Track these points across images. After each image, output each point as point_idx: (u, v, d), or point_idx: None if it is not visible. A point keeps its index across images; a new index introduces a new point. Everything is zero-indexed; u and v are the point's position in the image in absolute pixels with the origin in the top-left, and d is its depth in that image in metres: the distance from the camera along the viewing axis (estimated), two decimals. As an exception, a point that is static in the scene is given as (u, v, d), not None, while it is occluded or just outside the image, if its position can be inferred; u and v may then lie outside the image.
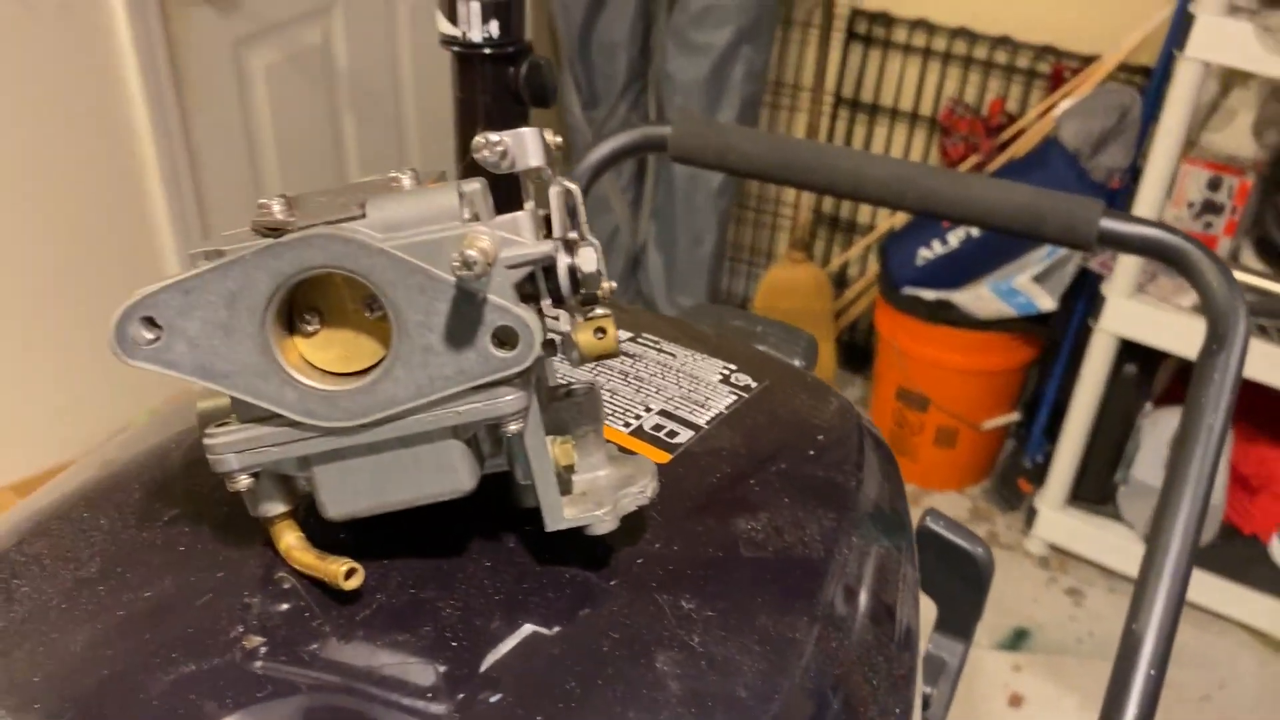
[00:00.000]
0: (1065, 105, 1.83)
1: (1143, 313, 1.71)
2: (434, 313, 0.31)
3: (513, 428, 0.33)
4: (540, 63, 0.61)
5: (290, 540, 0.35)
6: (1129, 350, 1.81)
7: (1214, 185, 1.74)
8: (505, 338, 0.31)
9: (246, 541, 0.35)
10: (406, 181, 0.33)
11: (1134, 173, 1.85)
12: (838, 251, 2.40)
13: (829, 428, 0.50)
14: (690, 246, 2.31)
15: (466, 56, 0.59)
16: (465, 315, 0.31)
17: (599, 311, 0.34)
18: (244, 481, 0.34)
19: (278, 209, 0.33)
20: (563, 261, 0.33)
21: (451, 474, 0.33)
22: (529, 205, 0.34)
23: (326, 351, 0.33)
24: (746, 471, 0.41)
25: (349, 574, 0.33)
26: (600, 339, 0.33)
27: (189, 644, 0.31)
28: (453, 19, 0.57)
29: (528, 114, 0.63)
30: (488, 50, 0.58)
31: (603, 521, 0.34)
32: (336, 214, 0.32)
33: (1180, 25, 1.74)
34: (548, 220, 0.34)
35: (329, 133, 1.83)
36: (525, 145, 0.32)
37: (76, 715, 0.29)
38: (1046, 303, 1.83)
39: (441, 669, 0.30)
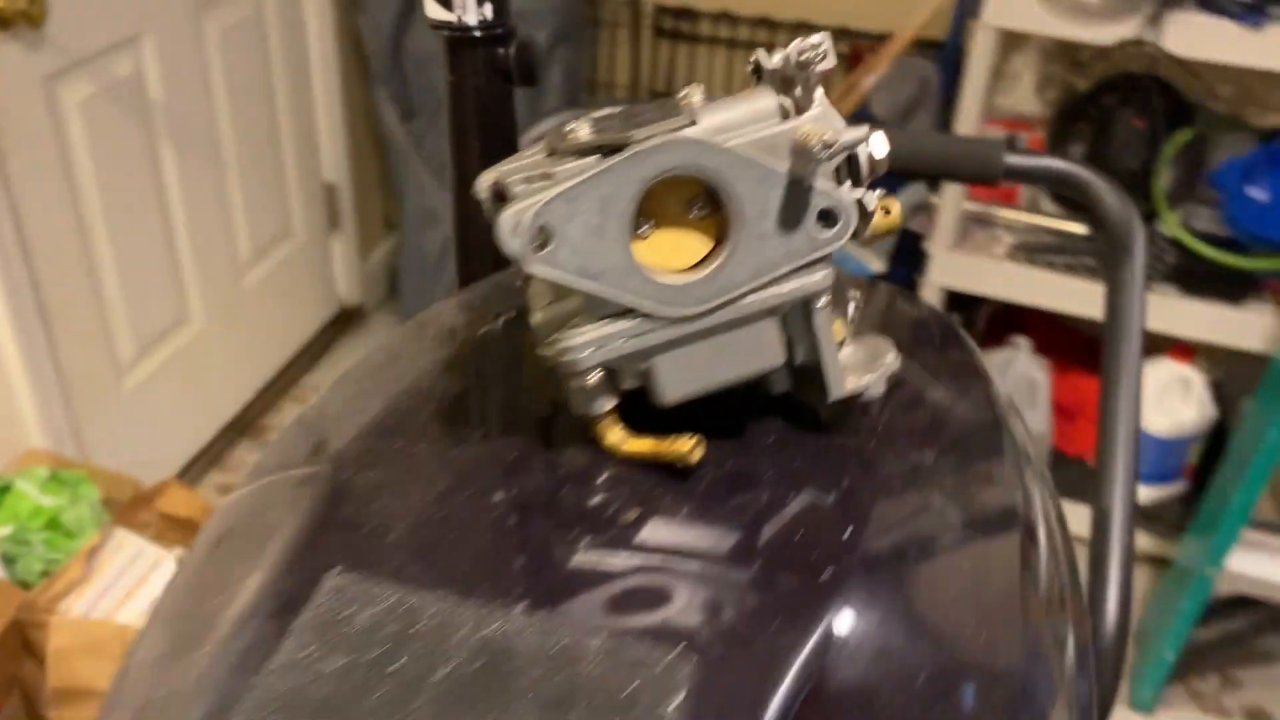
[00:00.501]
0: (870, 80, 1.96)
1: (963, 264, 1.86)
2: (770, 201, 0.34)
3: (821, 302, 0.35)
4: (528, 41, 0.62)
5: (619, 432, 0.36)
6: (951, 301, 1.96)
7: (1009, 142, 1.91)
8: (827, 218, 0.34)
9: (563, 445, 0.36)
10: (696, 96, 0.35)
11: (938, 138, 2.00)
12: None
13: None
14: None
15: (460, 40, 0.60)
16: (796, 201, 0.33)
17: (883, 192, 0.36)
18: (594, 377, 0.35)
19: (587, 131, 0.35)
20: (863, 148, 0.35)
21: (770, 349, 0.36)
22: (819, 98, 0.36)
23: (656, 252, 0.35)
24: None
25: (695, 446, 0.34)
26: (887, 216, 0.36)
27: (571, 519, 0.32)
28: (448, 5, 0.58)
29: (513, 93, 0.64)
30: (480, 33, 0.58)
31: (876, 386, 0.37)
32: (670, 124, 0.34)
33: (966, -1, 1.91)
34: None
35: (149, 166, 1.73)
36: (829, 50, 0.35)
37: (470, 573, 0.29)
38: (877, 265, 1.96)
39: (785, 527, 0.32)
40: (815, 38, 0.34)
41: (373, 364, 0.44)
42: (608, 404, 0.35)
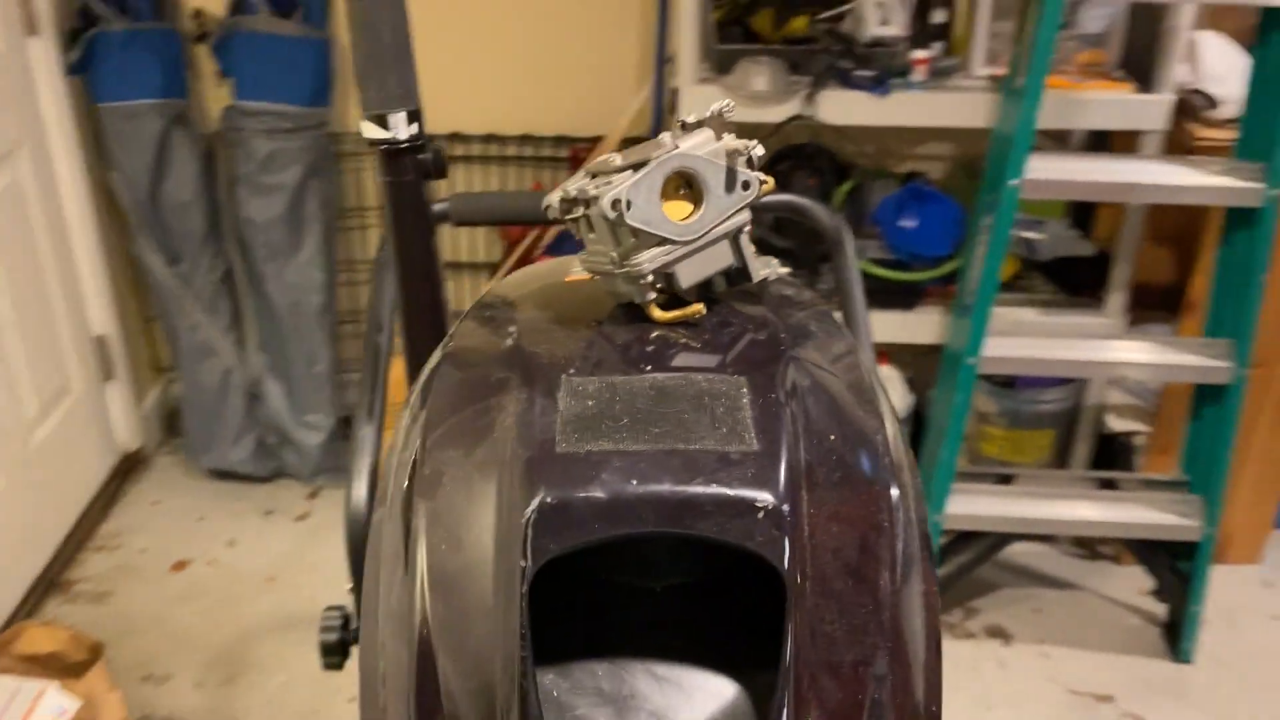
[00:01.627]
0: (597, 173, 2.30)
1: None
2: (720, 180, 0.62)
3: (745, 229, 0.63)
4: (438, 148, 0.86)
5: (659, 310, 0.64)
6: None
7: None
8: (746, 186, 0.61)
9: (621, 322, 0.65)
10: (667, 137, 0.62)
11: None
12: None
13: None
14: (306, 369, 2.48)
15: (393, 152, 0.83)
16: (731, 179, 0.60)
17: (765, 177, 0.65)
18: (649, 279, 0.62)
19: (619, 160, 0.61)
20: (754, 151, 0.63)
21: (726, 256, 0.64)
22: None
23: (668, 213, 0.64)
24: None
25: (700, 310, 0.64)
26: (765, 185, 0.65)
27: (647, 346, 0.60)
28: (384, 126, 0.81)
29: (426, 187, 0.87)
30: (407, 145, 0.82)
31: (772, 273, 0.69)
32: (666, 149, 0.61)
33: (660, 101, 2.31)
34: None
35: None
36: (733, 105, 0.63)
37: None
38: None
39: (748, 340, 0.60)
40: (725, 101, 0.63)
41: (504, 297, 0.72)
42: (654, 295, 0.62)
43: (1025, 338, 1.92)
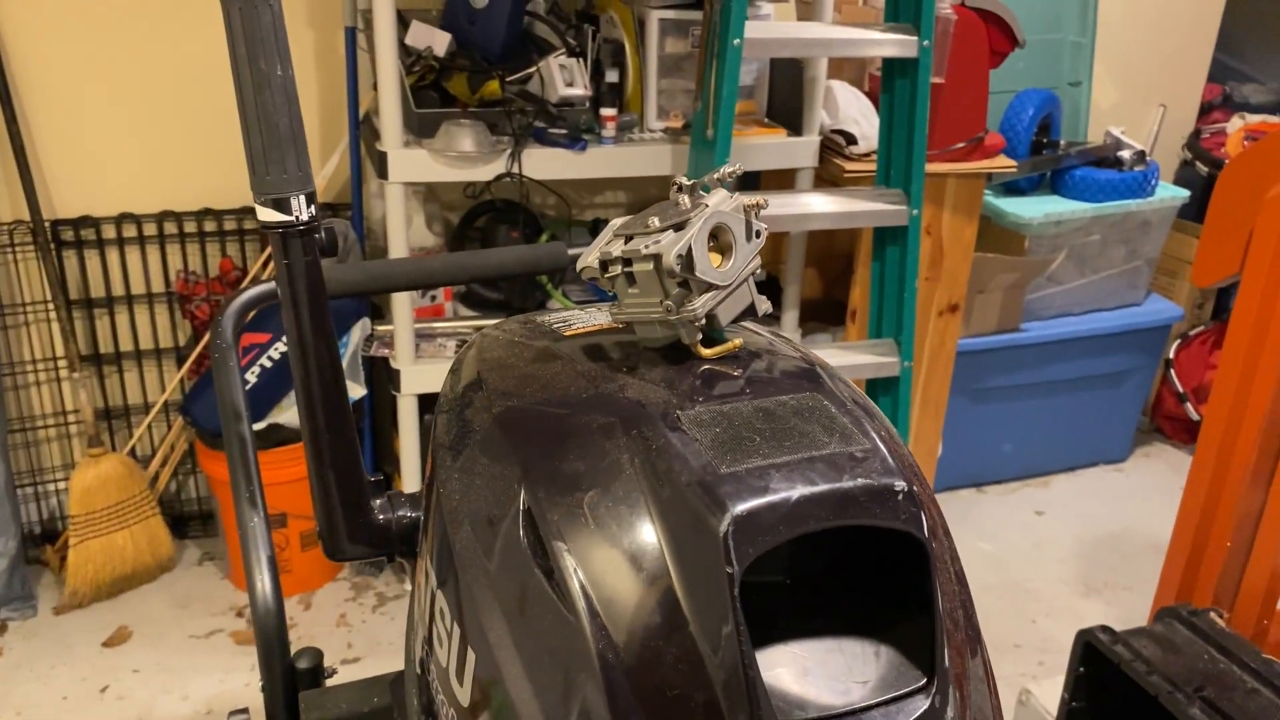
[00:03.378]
0: (298, 244, 2.25)
1: (423, 370, 2.23)
2: (742, 231, 0.69)
3: (759, 273, 0.71)
4: (330, 226, 0.84)
5: (704, 349, 0.69)
6: (423, 403, 2.32)
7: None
8: (759, 233, 0.69)
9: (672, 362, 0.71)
10: (685, 199, 0.67)
11: (365, 279, 2.36)
12: (128, 433, 2.47)
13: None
14: (-26, 491, 2.18)
15: (291, 234, 0.81)
16: (750, 229, 0.67)
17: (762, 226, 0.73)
18: (700, 322, 0.66)
19: (657, 221, 0.65)
20: (748, 202, 0.70)
21: (747, 295, 0.71)
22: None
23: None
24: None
25: (739, 345, 0.71)
26: (766, 232, 0.73)
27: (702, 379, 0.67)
28: (285, 210, 0.79)
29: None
30: (305, 226, 0.80)
31: (767, 308, 0.76)
32: (699, 207, 0.65)
33: (357, 165, 2.31)
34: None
35: None
36: (741, 167, 0.70)
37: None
38: (359, 390, 2.25)
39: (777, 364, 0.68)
40: (731, 164, 0.71)
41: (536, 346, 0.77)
42: (700, 335, 0.69)
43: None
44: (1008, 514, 2.82)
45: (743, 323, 0.77)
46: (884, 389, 2.26)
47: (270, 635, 0.87)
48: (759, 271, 0.74)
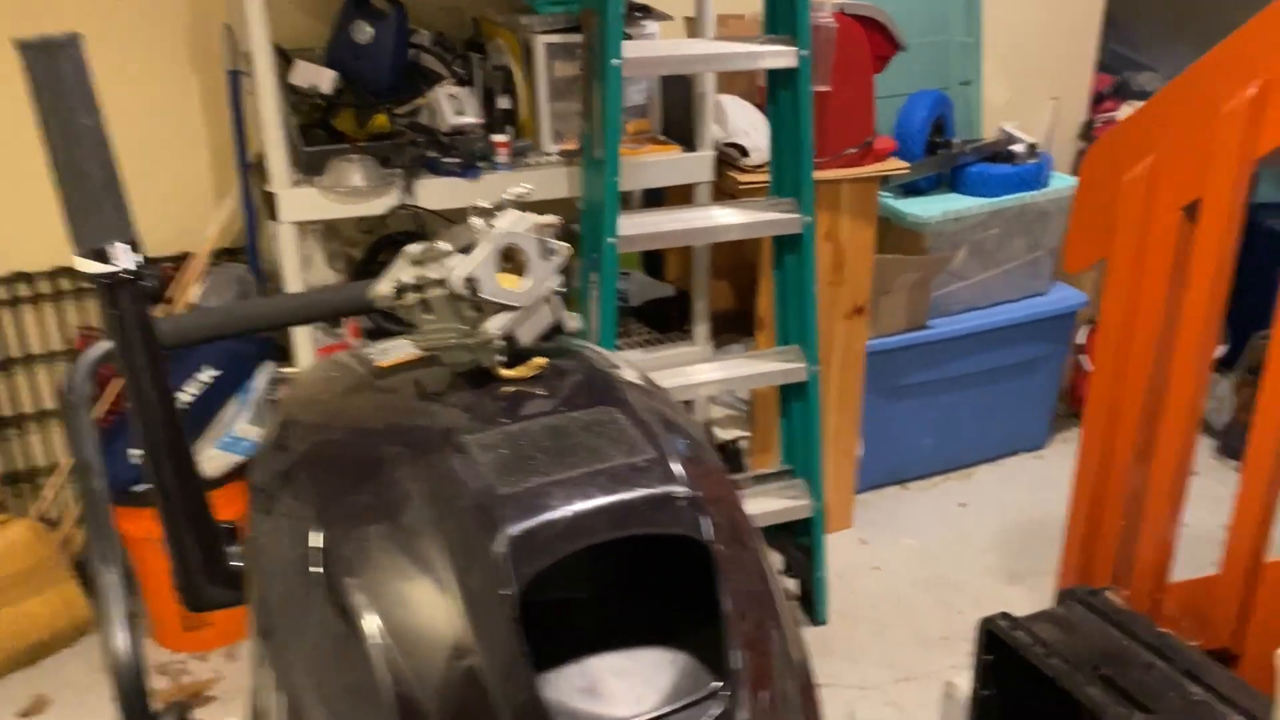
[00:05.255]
0: (196, 291, 2.22)
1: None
2: (536, 251, 0.68)
3: (559, 288, 0.70)
4: (155, 272, 0.84)
5: (505, 371, 0.66)
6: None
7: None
8: (555, 252, 0.68)
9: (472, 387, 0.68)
10: (478, 220, 0.67)
11: (268, 322, 2.33)
12: (35, 497, 2.41)
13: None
14: None
15: (118, 284, 0.79)
16: (545, 248, 0.67)
17: (564, 244, 0.73)
18: (498, 344, 0.64)
19: (446, 244, 0.64)
20: (557, 223, 0.71)
21: (550, 315, 0.69)
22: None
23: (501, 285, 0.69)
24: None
25: (540, 364, 0.70)
26: (568, 249, 0.73)
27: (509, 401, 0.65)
28: (105, 260, 0.78)
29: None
30: (132, 274, 0.79)
31: (578, 325, 0.75)
32: (487, 228, 0.65)
33: (250, 208, 2.29)
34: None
35: None
36: (529, 189, 0.70)
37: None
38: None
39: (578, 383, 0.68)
40: (520, 186, 0.72)
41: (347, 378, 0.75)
42: (501, 357, 0.68)
43: (643, 374, 2.14)
44: (931, 508, 2.85)
45: (576, 342, 0.77)
46: (795, 394, 2.28)
47: (130, 693, 0.85)
48: (560, 287, 0.74)
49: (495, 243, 0.70)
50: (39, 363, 2.37)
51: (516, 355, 0.73)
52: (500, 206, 0.73)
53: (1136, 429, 1.47)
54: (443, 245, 0.71)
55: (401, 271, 0.72)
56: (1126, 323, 1.44)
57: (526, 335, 0.73)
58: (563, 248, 0.74)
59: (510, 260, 0.72)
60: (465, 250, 0.70)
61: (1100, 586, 1.49)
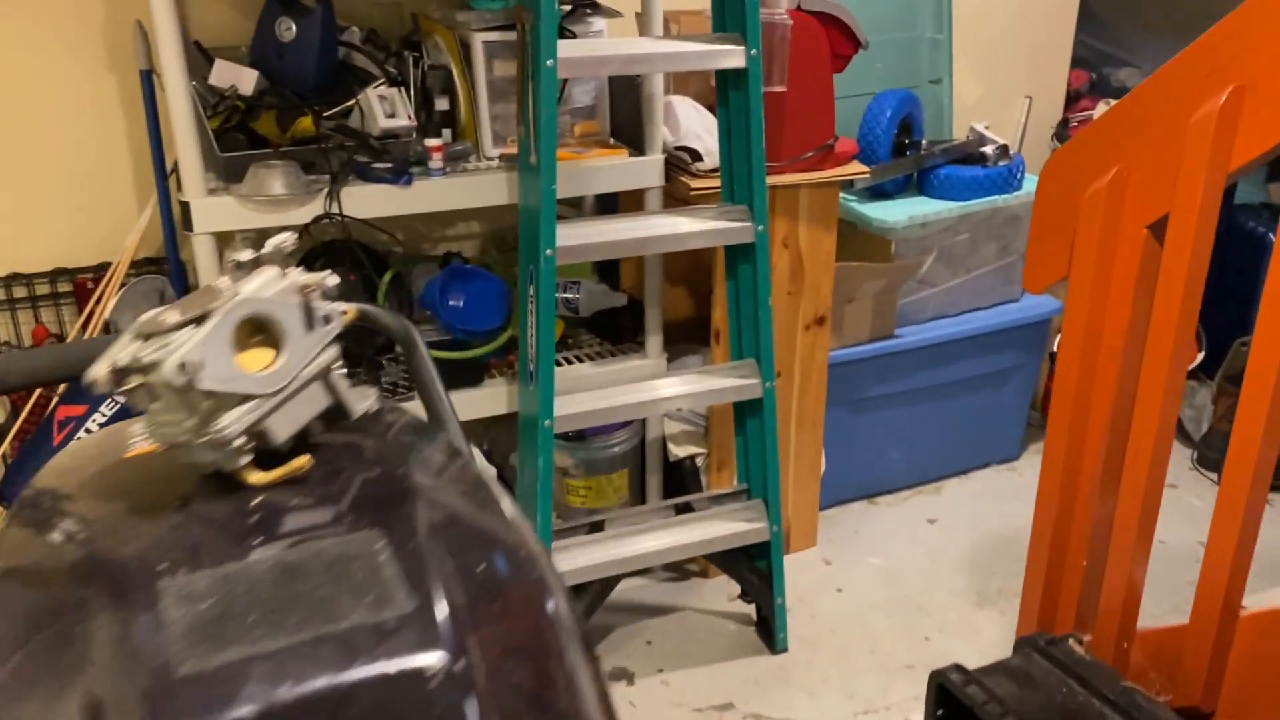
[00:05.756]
0: (110, 303, 2.09)
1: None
2: (296, 320, 0.56)
3: (336, 365, 0.58)
4: None
5: (256, 472, 0.53)
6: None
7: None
8: (328, 318, 0.56)
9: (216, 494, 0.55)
10: (225, 282, 0.54)
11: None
12: None
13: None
14: None
15: None
16: (309, 316, 0.54)
17: (345, 305, 0.60)
18: (238, 442, 0.51)
19: (176, 315, 0.51)
20: (327, 283, 0.58)
21: (321, 399, 0.57)
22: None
23: (244, 366, 0.57)
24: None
25: (308, 460, 0.57)
26: (346, 315, 0.61)
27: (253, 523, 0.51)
28: None
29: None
30: None
31: (374, 405, 0.63)
32: (228, 295, 0.52)
33: (169, 216, 2.15)
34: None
35: None
36: (294, 239, 0.57)
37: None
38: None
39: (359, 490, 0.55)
40: (286, 235, 0.59)
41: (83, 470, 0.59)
42: (247, 458, 0.55)
43: (587, 392, 2.02)
44: (899, 525, 2.74)
45: (397, 414, 0.64)
46: (750, 411, 2.16)
47: None
48: (336, 365, 0.61)
49: (230, 314, 0.57)
50: None
51: (273, 454, 0.60)
52: (261, 260, 0.61)
53: (1101, 458, 1.35)
54: (170, 316, 0.58)
55: (120, 350, 0.59)
56: (1089, 347, 1.32)
57: (283, 429, 0.60)
58: (337, 312, 0.61)
59: (263, 332, 0.59)
60: (199, 321, 0.57)
61: (1061, 634, 1.38)
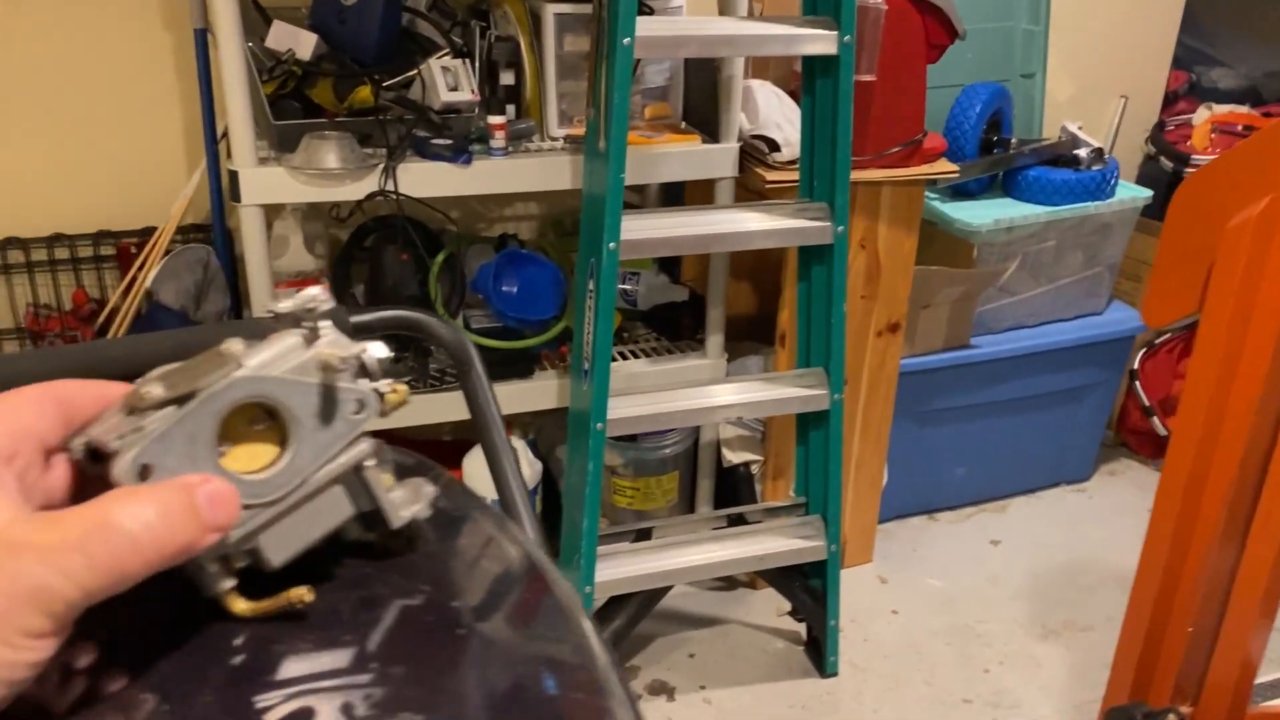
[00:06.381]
0: (152, 274, 2.00)
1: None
2: (312, 406, 0.45)
3: (370, 463, 0.46)
4: None
5: (242, 602, 0.42)
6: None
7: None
8: (359, 407, 0.44)
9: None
10: (238, 346, 0.43)
11: (235, 310, 2.11)
12: None
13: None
14: None
15: None
16: (330, 401, 0.43)
17: (389, 381, 0.48)
18: (213, 568, 0.42)
19: (160, 389, 0.42)
20: (368, 355, 0.46)
21: (341, 507, 0.46)
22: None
23: (238, 462, 0.45)
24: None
25: (308, 592, 0.45)
26: (396, 395, 0.48)
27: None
28: None
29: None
30: None
31: (424, 511, 0.50)
32: (224, 369, 0.41)
33: (217, 183, 2.05)
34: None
35: None
36: (326, 298, 0.46)
37: None
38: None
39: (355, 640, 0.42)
40: (313, 290, 0.46)
41: None
42: (229, 583, 0.44)
43: (643, 394, 1.90)
44: (960, 544, 2.60)
45: (427, 511, 0.50)
46: (815, 423, 2.03)
47: None
48: (371, 462, 0.47)
49: (213, 399, 0.44)
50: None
51: (270, 577, 0.47)
52: (280, 320, 0.48)
53: (1223, 510, 1.21)
54: (153, 390, 0.46)
55: (106, 419, 0.47)
56: (1220, 390, 1.18)
57: (281, 548, 0.47)
58: (373, 396, 0.47)
59: (273, 418, 0.47)
60: (183, 401, 0.45)
61: (1159, 705, 1.25)
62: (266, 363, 0.45)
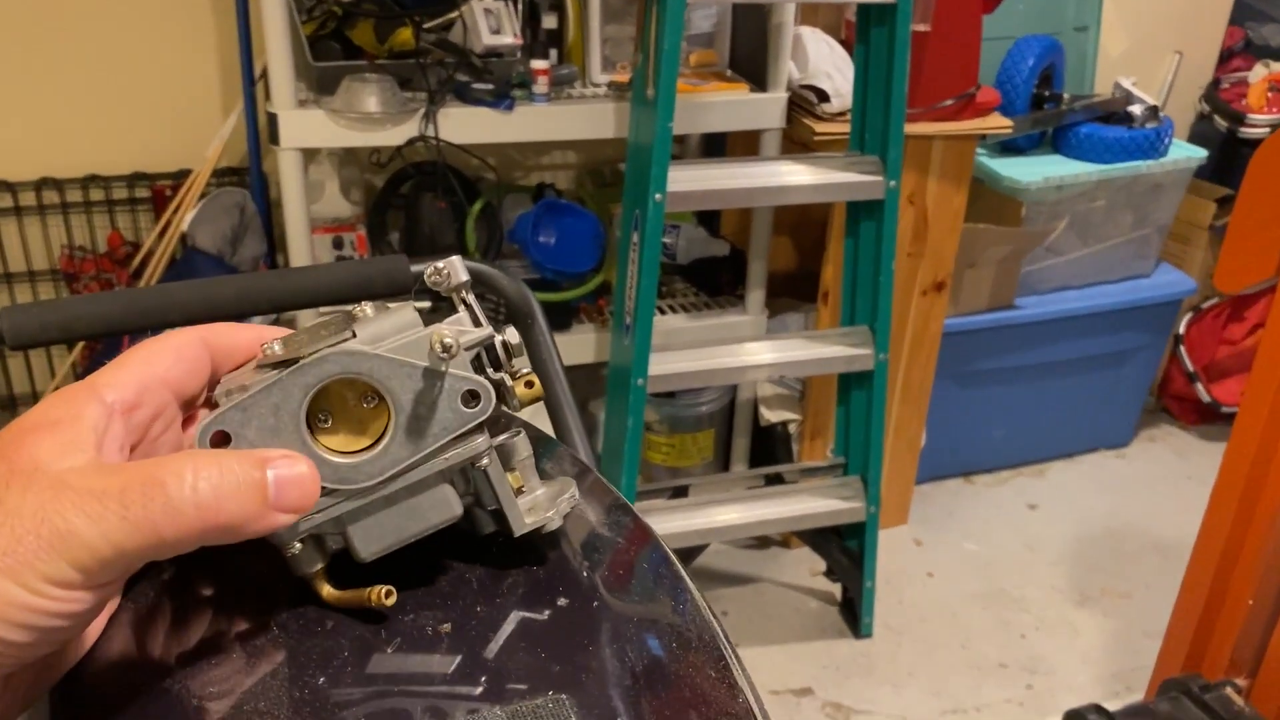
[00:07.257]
0: (188, 218, 1.98)
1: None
2: (417, 391, 0.41)
3: (484, 463, 0.42)
4: None
5: (328, 587, 0.41)
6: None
7: (338, 244, 2.06)
8: (471, 398, 0.40)
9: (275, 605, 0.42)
10: (369, 309, 0.40)
11: (271, 256, 2.08)
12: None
13: None
14: None
15: None
16: (440, 388, 0.40)
17: (525, 370, 0.44)
18: (296, 547, 0.40)
19: (279, 348, 0.40)
20: (498, 339, 0.42)
21: (446, 507, 0.43)
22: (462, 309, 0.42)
23: (336, 438, 0.42)
24: None
25: (387, 594, 0.41)
26: (530, 389, 0.44)
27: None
28: None
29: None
30: None
31: (553, 521, 0.45)
32: (333, 338, 0.39)
33: (255, 126, 2.02)
34: (474, 318, 0.43)
35: None
36: (457, 270, 0.42)
37: None
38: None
39: (464, 661, 0.39)
40: (441, 263, 0.42)
41: None
42: (317, 565, 0.41)
43: (684, 350, 1.87)
44: (997, 508, 2.56)
45: (558, 518, 0.45)
46: (858, 383, 1.99)
47: None
48: (486, 461, 0.43)
49: (303, 371, 0.41)
50: (19, 281, 2.15)
51: (358, 566, 0.43)
52: (443, 288, 0.43)
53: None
54: (274, 347, 0.42)
55: (231, 378, 0.44)
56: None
57: (371, 541, 0.43)
58: (488, 391, 0.42)
59: (372, 400, 0.43)
60: (287, 366, 0.41)
61: (1216, 679, 1.22)
62: (378, 335, 0.41)
